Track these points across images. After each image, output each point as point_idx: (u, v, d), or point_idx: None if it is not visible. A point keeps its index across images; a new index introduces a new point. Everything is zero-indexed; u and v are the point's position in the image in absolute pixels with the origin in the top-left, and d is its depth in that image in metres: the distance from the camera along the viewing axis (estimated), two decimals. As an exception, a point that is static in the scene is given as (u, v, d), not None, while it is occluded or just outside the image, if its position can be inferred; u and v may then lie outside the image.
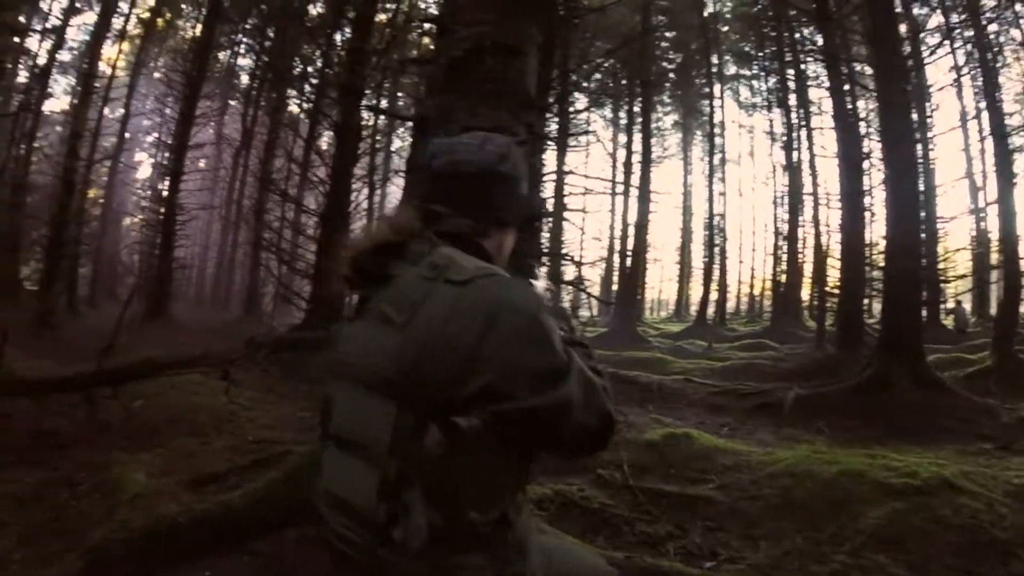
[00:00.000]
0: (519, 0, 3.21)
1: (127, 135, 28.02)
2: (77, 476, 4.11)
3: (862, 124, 17.01)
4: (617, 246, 28.90)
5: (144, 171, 35.76)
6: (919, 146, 21.50)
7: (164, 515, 2.98)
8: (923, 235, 21.65)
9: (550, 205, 17.30)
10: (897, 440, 6.91)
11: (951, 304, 22.62)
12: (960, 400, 8.45)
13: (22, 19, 19.15)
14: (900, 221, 9.90)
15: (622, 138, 30.39)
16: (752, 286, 38.78)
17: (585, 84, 31.66)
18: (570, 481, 4.59)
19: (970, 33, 17.68)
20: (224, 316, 23.01)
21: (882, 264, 11.13)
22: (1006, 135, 14.48)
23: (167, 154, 21.57)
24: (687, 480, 4.97)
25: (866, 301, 16.41)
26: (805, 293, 27.30)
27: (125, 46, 26.34)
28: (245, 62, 30.34)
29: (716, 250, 28.71)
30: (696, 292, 30.85)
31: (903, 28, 15.52)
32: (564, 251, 20.31)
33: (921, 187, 21.37)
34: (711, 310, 28.64)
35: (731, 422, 8.20)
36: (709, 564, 3.61)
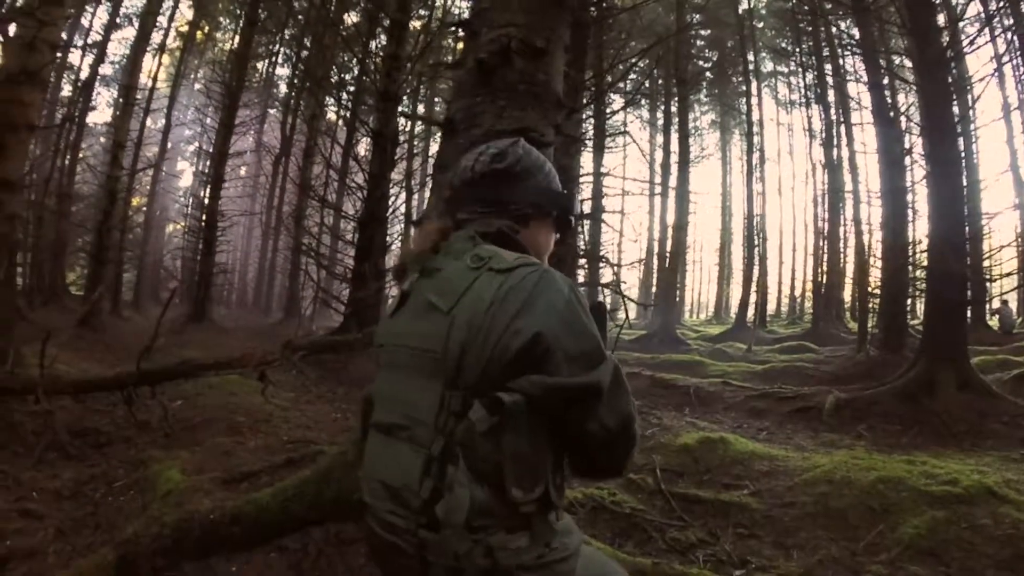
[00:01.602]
0: (544, 3, 3.20)
1: (169, 145, 28.63)
2: (115, 473, 4.22)
3: (902, 119, 16.61)
4: (656, 248, 28.72)
5: (186, 179, 36.71)
6: (961, 139, 21.13)
7: (195, 511, 3.03)
8: (967, 232, 21.34)
9: (588, 207, 17.23)
10: (939, 446, 6.82)
11: (996, 304, 21.98)
12: (1006, 404, 8.13)
13: (63, 36, 19.67)
14: (943, 218, 9.63)
15: (660, 139, 30.11)
16: (793, 287, 38.23)
17: (621, 84, 31.69)
18: (601, 485, 4.55)
19: (1009, 21, 17.27)
20: (265, 320, 23.41)
21: (925, 263, 10.89)
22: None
23: (208, 162, 21.94)
24: (721, 485, 4.94)
25: (909, 302, 16.00)
26: (847, 294, 26.77)
27: (165, 59, 26.95)
28: (283, 71, 30.87)
29: (755, 251, 28.26)
30: (736, 294, 30.46)
31: (941, 18, 15.22)
32: (601, 253, 20.26)
33: (964, 182, 21.08)
34: (751, 312, 28.29)
35: (769, 426, 8.08)
36: (739, 572, 3.55)
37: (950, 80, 19.43)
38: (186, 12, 26.14)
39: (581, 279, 11.01)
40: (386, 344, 1.49)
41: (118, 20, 22.06)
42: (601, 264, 16.07)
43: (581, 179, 21.23)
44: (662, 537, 4.00)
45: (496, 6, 3.19)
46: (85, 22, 21.58)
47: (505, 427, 1.22)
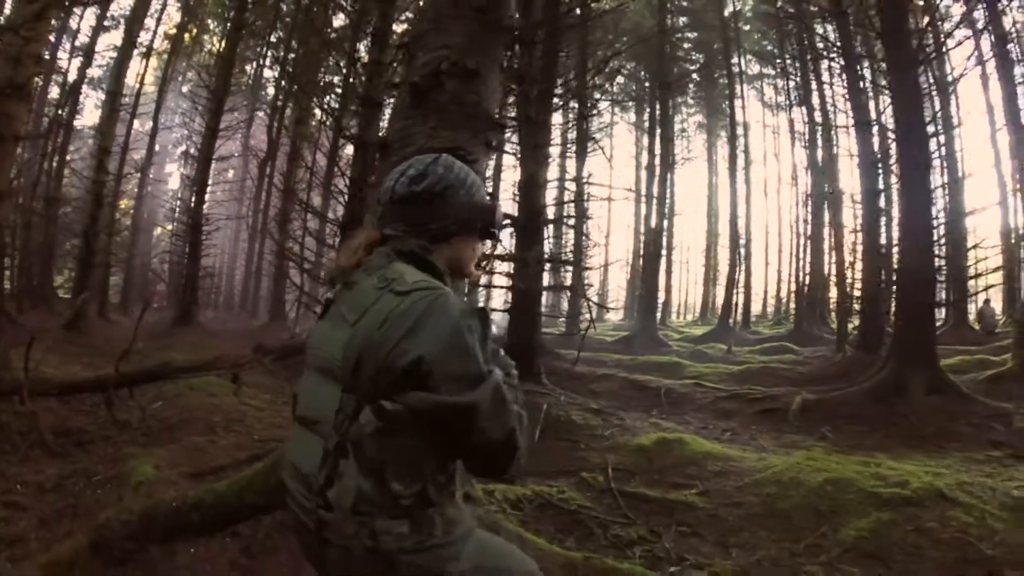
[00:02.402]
0: (480, 25, 3.34)
1: (156, 148, 28.61)
2: (94, 469, 4.41)
3: (879, 122, 16.80)
4: (641, 250, 28.85)
5: (174, 182, 36.59)
6: (943, 139, 21.33)
7: (161, 500, 3.26)
8: (946, 231, 21.54)
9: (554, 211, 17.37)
10: (904, 447, 6.84)
11: (980, 303, 22.12)
12: (976, 406, 8.26)
13: (51, 37, 19.68)
14: (913, 219, 9.78)
15: (646, 141, 30.20)
16: (779, 288, 38.35)
17: (607, 87, 31.81)
18: (552, 483, 4.68)
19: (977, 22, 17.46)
20: (251, 323, 23.41)
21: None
22: (1021, 126, 14.22)
23: (194, 166, 22.01)
24: (671, 485, 5.06)
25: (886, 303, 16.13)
26: (831, 295, 26.89)
27: (153, 61, 26.89)
28: (272, 74, 30.79)
29: (738, 252, 28.40)
30: (722, 295, 30.64)
31: (925, 19, 15.43)
32: (566, 256, 20.45)
33: (944, 180, 21.26)
34: (737, 313, 28.44)
35: (735, 427, 8.20)
36: (674, 569, 3.64)
37: (931, 81, 19.72)
38: (174, 14, 26.17)
39: (546, 282, 11.14)
40: (310, 347, 1.67)
41: (106, 23, 22.10)
42: (567, 267, 16.24)
43: (557, 183, 21.48)
44: (604, 534, 4.10)
45: (433, 29, 3.34)
46: (73, 24, 21.59)
47: (389, 431, 1.40)
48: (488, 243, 1.90)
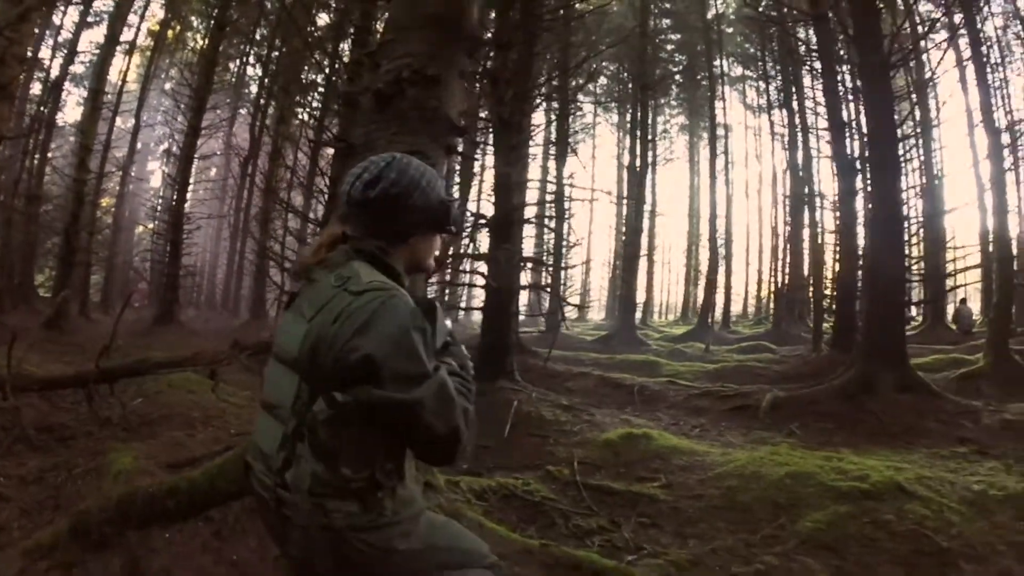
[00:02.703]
0: (442, 34, 3.47)
1: (139, 145, 28.48)
2: (75, 462, 4.49)
3: (853, 125, 17.04)
4: (623, 250, 29.03)
5: (156, 180, 36.33)
6: (920, 140, 21.60)
7: (139, 487, 3.39)
8: (924, 231, 21.81)
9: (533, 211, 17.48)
10: (872, 443, 6.90)
11: (957, 303, 22.41)
12: (945, 403, 8.32)
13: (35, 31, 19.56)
14: (882, 222, 9.86)
15: (628, 142, 30.43)
16: (759, 288, 38.66)
17: (590, 88, 31.97)
18: (518, 476, 4.80)
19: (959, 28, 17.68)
20: (233, 321, 23.36)
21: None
22: (997, 130, 14.42)
23: (176, 164, 21.96)
24: (635, 478, 5.13)
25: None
26: (810, 295, 27.10)
27: (136, 58, 26.74)
28: (255, 72, 30.63)
29: (720, 252, 28.66)
30: (703, 295, 30.89)
31: (900, 23, 15.63)
32: (544, 256, 20.60)
33: (921, 181, 21.53)
34: (717, 312, 28.72)
35: (705, 423, 8.26)
36: (631, 557, 3.70)
37: (909, 83, 19.93)
38: (158, 11, 25.92)
39: (525, 281, 11.28)
40: (275, 338, 1.81)
41: (89, 19, 21.96)
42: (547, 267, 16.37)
43: (539, 183, 21.65)
44: (566, 524, 4.20)
45: (397, 39, 3.47)
46: (56, 19, 21.44)
47: (341, 420, 1.53)
48: (447, 237, 1.99)
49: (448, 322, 1.87)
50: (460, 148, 3.68)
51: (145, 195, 33.20)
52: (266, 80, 27.11)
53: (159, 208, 24.86)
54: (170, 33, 27.02)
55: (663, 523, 4.31)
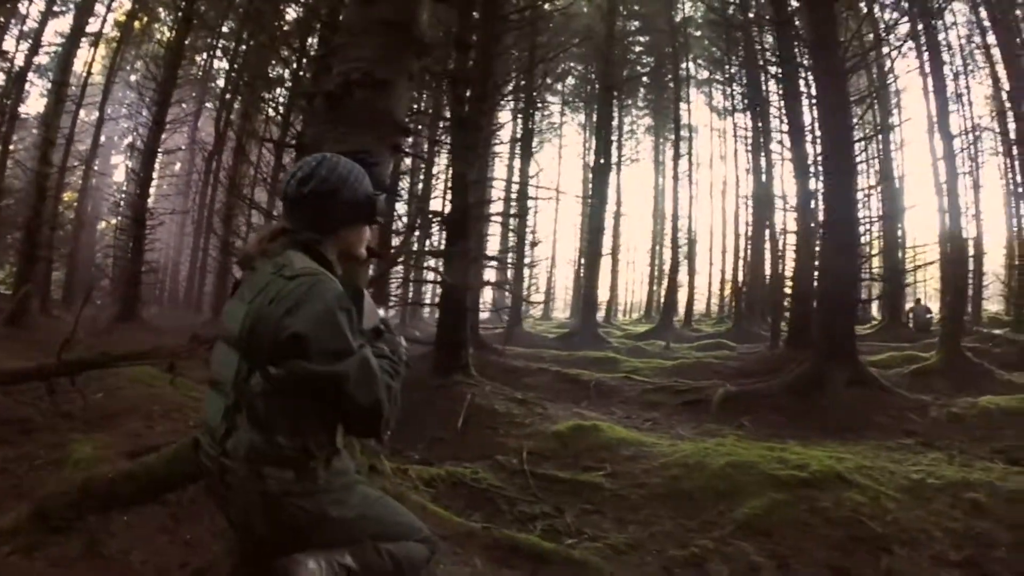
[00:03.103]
0: (391, 38, 3.61)
1: (103, 139, 28.04)
2: (37, 453, 4.58)
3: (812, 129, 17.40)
4: (586, 249, 29.25)
5: (120, 174, 35.70)
6: (880, 142, 22.12)
7: (98, 473, 3.54)
8: (883, 232, 22.30)
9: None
10: (820, 436, 7.01)
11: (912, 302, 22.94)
12: (895, 398, 8.51)
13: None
14: (836, 223, 10.11)
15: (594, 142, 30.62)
16: (722, 287, 39.09)
17: (557, 88, 32.18)
18: (468, 465, 4.93)
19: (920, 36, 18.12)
20: (195, 319, 23.11)
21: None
22: (951, 135, 14.83)
23: (140, 159, 21.66)
24: (582, 468, 5.24)
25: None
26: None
27: (101, 49, 26.28)
28: (222, 65, 30.26)
29: (684, 252, 29.01)
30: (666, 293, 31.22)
31: (858, 29, 15.98)
32: (503, 254, 20.75)
33: (872, 182, 22.00)
34: (679, 311, 29.10)
35: (657, 417, 8.42)
36: (571, 541, 3.82)
37: (872, 87, 20.33)
38: (125, 1, 25.45)
39: (487, 278, 11.40)
40: (221, 321, 1.99)
41: (56, 8, 21.57)
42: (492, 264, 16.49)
43: (504, 182, 21.78)
44: (511, 510, 4.33)
45: (348, 43, 3.62)
46: (23, 8, 21.04)
47: (275, 392, 1.72)
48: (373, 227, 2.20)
49: (381, 311, 2.06)
50: (407, 148, 3.84)
51: (108, 190, 32.60)
52: (232, 75, 26.90)
53: (122, 203, 24.54)
54: (137, 24, 26.56)
55: (606, 510, 4.42)
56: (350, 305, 1.77)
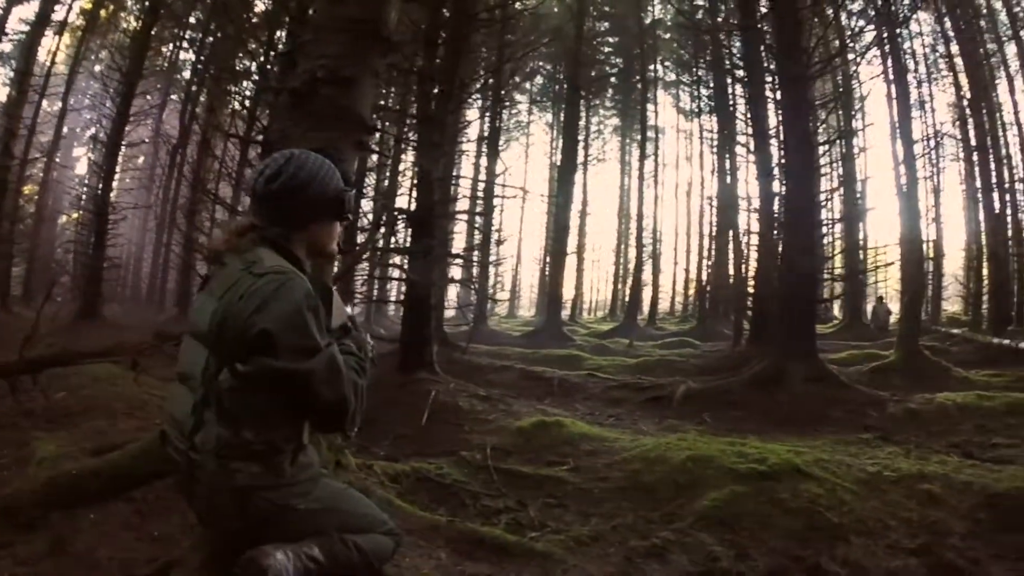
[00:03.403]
0: (357, 35, 3.64)
1: (65, 130, 27.52)
2: (0, 452, 4.52)
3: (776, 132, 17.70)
4: (552, 247, 29.41)
5: (82, 167, 35.04)
6: (843, 147, 22.55)
7: (63, 471, 3.52)
8: (843, 234, 22.73)
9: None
10: (779, 430, 7.12)
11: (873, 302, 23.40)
12: (853, 394, 8.63)
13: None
14: (797, 224, 10.29)
15: (561, 141, 30.84)
16: (687, 286, 39.53)
17: (526, 86, 32.28)
18: (432, 461, 4.96)
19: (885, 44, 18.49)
20: (158, 316, 22.77)
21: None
22: (912, 140, 15.15)
23: (103, 151, 21.28)
24: (545, 463, 5.26)
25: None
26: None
27: (66, 38, 25.76)
28: (188, 57, 29.70)
29: (649, 251, 29.30)
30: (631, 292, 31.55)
31: (820, 35, 16.26)
32: (468, 252, 20.78)
33: (835, 185, 22.40)
34: (645, 309, 29.38)
35: (620, 413, 8.44)
36: (534, 533, 3.84)
37: (836, 92, 20.66)
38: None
39: (452, 276, 11.42)
40: (189, 316, 2.04)
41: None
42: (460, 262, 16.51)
43: (470, 180, 21.80)
44: (475, 504, 4.35)
45: (314, 39, 3.64)
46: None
47: (243, 388, 1.76)
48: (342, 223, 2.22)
49: (349, 308, 2.11)
50: (373, 145, 3.88)
51: (70, 183, 32.00)
52: (199, 67, 26.51)
53: (84, 197, 24.14)
54: (103, 13, 26.02)
55: (569, 503, 4.44)
56: (318, 304, 1.82)
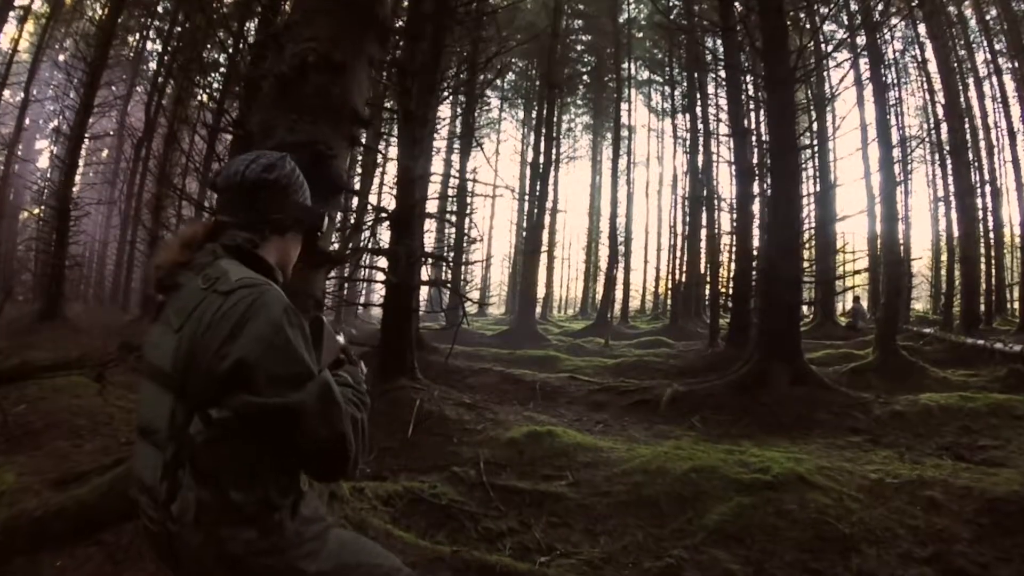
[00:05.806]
0: (350, 17, 3.33)
1: (27, 122, 26.73)
2: None
3: (755, 132, 17.75)
4: (523, 246, 29.33)
5: (44, 161, 34.14)
6: (817, 150, 22.68)
7: (24, 509, 3.20)
8: (816, 236, 22.87)
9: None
10: (769, 434, 7.12)
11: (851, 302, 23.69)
12: (836, 395, 8.61)
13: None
14: (780, 226, 10.13)
15: (533, 139, 30.78)
16: (658, 285, 39.78)
17: (498, 83, 32.09)
18: (423, 479, 4.71)
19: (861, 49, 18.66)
20: (122, 317, 22.16)
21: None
22: (890, 144, 15.22)
23: (65, 144, 20.63)
24: (541, 477, 5.11)
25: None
26: (706, 292, 28.09)
27: (29, 26, 25.03)
28: (155, 47, 28.97)
29: (619, 250, 29.29)
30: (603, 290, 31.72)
31: (805, 40, 16.33)
32: (445, 252, 20.56)
33: (815, 189, 22.58)
34: (616, 308, 29.39)
35: (607, 418, 8.33)
36: (543, 559, 3.70)
37: (809, 97, 20.78)
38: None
39: (426, 276, 11.13)
40: (144, 354, 1.60)
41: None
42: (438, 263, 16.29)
43: (442, 178, 21.59)
44: (475, 527, 4.16)
45: (303, 21, 3.31)
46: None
47: (220, 439, 1.40)
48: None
49: (340, 337, 1.78)
50: (363, 140, 3.58)
51: (31, 177, 31.11)
52: (166, 57, 25.80)
53: (45, 192, 23.45)
54: (67, 0, 25.39)
55: (573, 522, 4.31)
56: (302, 320, 1.48)
